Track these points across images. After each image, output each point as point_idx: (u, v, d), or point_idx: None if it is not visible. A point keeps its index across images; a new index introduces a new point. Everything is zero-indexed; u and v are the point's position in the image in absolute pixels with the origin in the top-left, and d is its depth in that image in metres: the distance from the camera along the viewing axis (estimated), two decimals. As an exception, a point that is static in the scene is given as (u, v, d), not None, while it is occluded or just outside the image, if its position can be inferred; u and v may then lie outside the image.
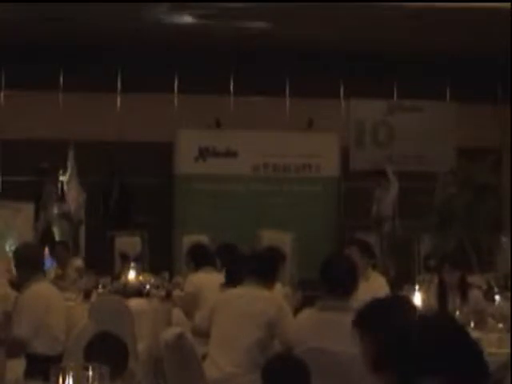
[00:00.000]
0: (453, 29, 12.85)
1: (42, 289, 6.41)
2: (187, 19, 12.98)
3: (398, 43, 13.80)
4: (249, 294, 5.63)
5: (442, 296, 7.19)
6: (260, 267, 5.78)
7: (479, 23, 12.25)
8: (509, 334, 5.88)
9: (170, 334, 5.22)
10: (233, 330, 5.44)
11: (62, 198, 13.21)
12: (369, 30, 13.13)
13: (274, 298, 5.70)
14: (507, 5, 10.87)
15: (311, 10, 12.10)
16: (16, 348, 6.11)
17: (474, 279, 8.63)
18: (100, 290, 8.68)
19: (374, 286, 7.15)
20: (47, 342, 6.22)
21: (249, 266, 5.86)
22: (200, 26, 13.26)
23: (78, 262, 10.55)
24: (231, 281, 6.71)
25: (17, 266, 6.41)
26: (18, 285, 6.57)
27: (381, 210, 13.67)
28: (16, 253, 6.63)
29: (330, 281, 5.03)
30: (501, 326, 6.34)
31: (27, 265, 6.42)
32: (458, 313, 6.57)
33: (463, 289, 7.19)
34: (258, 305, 5.52)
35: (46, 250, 12.86)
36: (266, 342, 5.45)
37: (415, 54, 14.27)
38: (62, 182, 13.42)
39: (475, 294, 7.27)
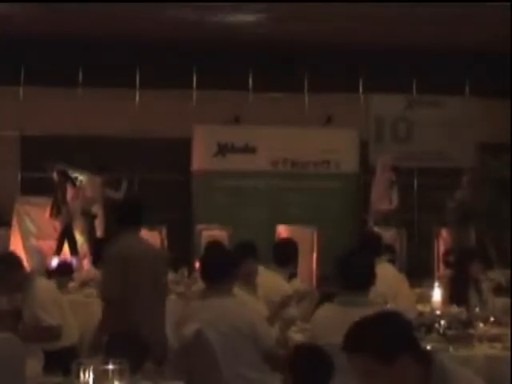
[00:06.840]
0: (472, 24, 12.80)
1: (46, 284, 6.70)
2: (206, 16, 13.00)
3: (418, 38, 13.76)
4: (216, 306, 5.17)
5: (461, 292, 7.16)
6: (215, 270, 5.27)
7: (499, 18, 12.19)
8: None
9: (189, 329, 5.22)
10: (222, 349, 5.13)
11: (78, 193, 13.23)
12: (386, 26, 13.11)
13: (240, 313, 5.18)
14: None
15: (329, 6, 12.08)
16: (52, 334, 6.18)
17: (495, 275, 8.59)
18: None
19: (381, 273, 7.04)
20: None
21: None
22: (218, 23, 13.26)
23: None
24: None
25: (16, 267, 6.46)
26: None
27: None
28: (13, 256, 6.77)
29: (347, 276, 5.03)
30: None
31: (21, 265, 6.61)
32: (477, 309, 6.54)
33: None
34: (228, 319, 5.10)
35: (68, 249, 12.96)
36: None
37: (434, 48, 14.21)
38: (81, 179, 13.44)
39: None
